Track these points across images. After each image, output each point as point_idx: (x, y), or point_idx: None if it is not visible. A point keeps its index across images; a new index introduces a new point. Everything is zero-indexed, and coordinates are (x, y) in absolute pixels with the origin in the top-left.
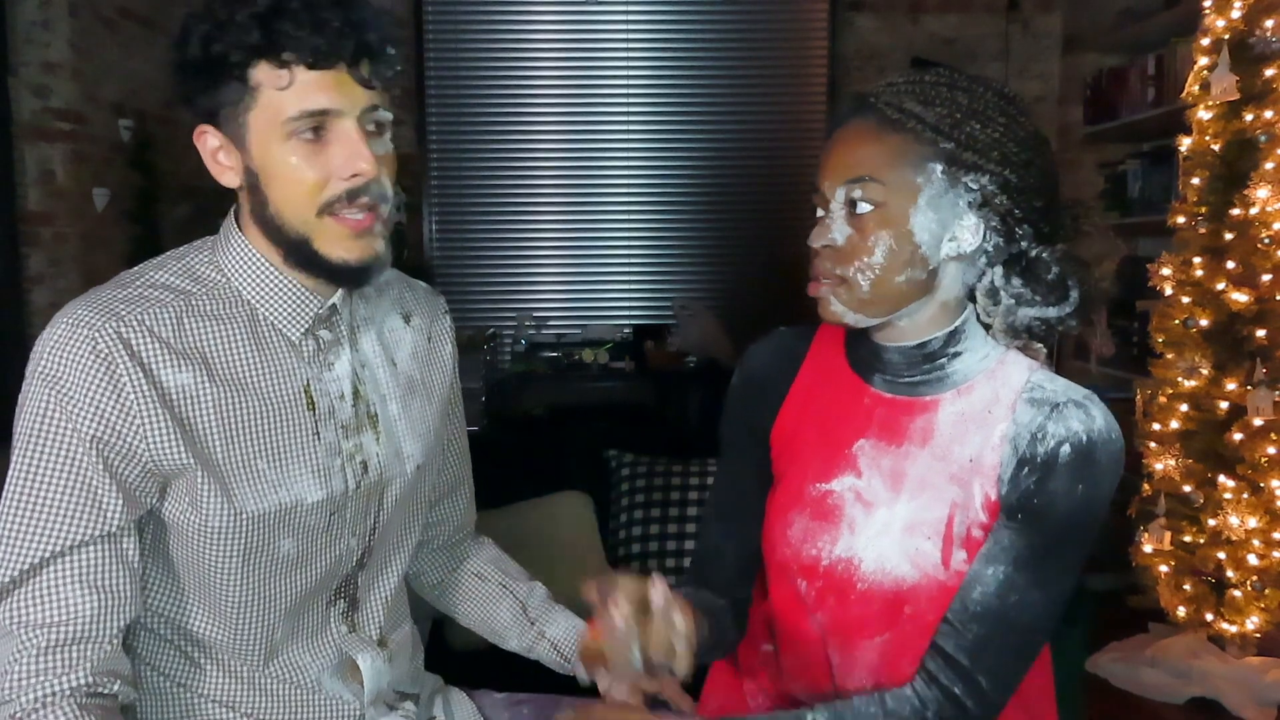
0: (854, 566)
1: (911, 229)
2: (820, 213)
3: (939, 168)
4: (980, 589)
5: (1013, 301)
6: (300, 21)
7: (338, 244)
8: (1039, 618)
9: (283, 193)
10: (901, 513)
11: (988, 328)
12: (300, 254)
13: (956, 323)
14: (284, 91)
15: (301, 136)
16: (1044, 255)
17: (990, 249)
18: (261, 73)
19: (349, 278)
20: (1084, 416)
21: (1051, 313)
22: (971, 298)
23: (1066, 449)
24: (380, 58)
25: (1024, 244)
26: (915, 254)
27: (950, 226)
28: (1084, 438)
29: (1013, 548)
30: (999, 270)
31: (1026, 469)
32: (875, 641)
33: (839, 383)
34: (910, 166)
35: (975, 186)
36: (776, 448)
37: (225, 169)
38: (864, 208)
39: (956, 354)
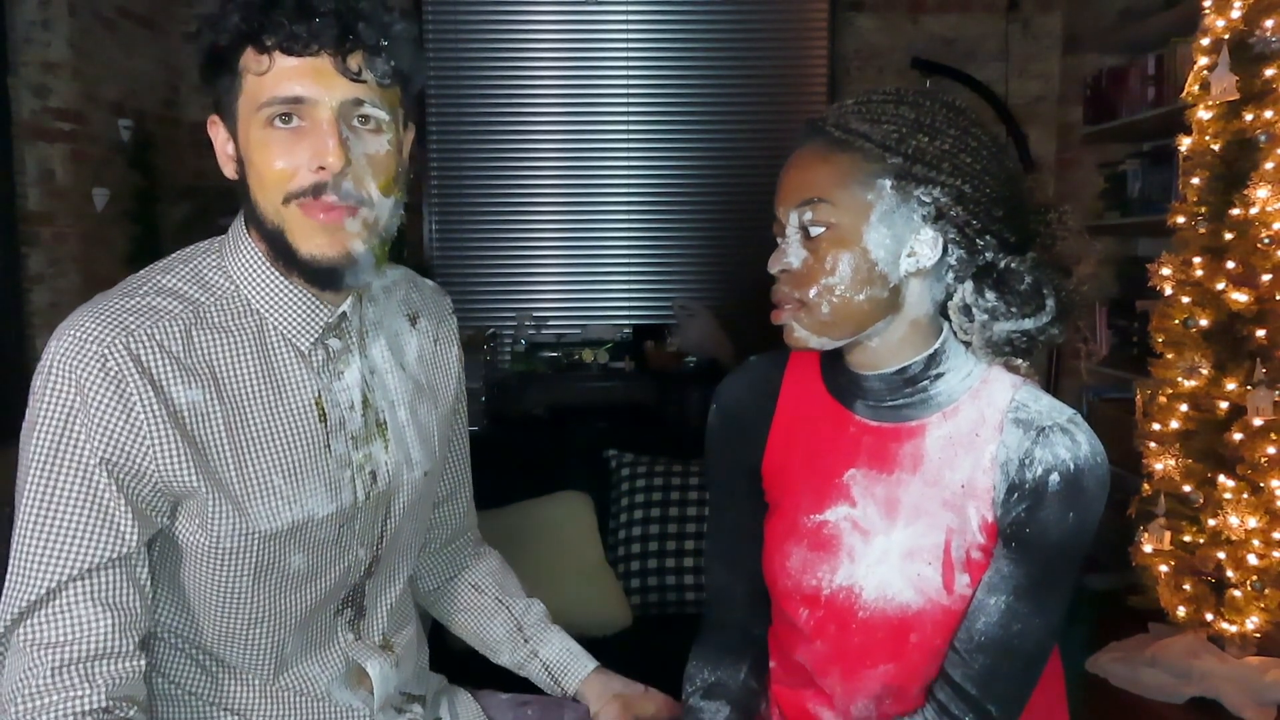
0: (855, 595)
1: (866, 246)
2: (780, 240)
3: (889, 183)
4: (984, 619)
5: (986, 316)
6: (287, 8)
7: (308, 237)
8: (1042, 642)
9: (257, 181)
10: (899, 540)
11: (968, 344)
12: (278, 248)
13: (935, 345)
14: (262, 77)
15: (276, 124)
16: (1014, 265)
17: (954, 262)
18: (247, 59)
19: (322, 277)
20: (1070, 443)
21: (1028, 324)
22: (946, 316)
23: (1055, 478)
24: (375, 51)
25: (990, 255)
26: (873, 271)
27: (907, 241)
28: (1071, 466)
29: (1012, 577)
30: (969, 285)
31: (1016, 495)
32: (879, 670)
33: (821, 412)
34: (859, 184)
35: (928, 199)
36: (767, 480)
37: (228, 160)
38: (816, 229)
39: (939, 375)
